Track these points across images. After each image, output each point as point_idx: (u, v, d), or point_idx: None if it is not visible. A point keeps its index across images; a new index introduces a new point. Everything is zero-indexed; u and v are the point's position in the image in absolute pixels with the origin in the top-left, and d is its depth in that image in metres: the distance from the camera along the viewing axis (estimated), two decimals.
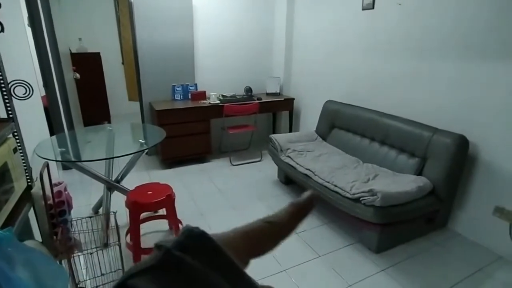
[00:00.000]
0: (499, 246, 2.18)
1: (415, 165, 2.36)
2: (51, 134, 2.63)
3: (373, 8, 2.83)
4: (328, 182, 2.33)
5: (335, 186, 2.26)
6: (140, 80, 3.74)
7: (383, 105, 2.85)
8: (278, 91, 4.25)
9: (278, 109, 4.16)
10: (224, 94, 3.99)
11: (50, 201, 1.47)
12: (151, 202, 1.91)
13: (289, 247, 2.21)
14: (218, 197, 2.97)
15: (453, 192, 2.26)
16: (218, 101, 3.71)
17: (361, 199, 2.03)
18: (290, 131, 4.24)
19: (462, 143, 2.13)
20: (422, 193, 2.10)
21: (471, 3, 2.14)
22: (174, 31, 3.67)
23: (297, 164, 2.70)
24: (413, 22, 2.53)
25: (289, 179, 3.09)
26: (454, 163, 2.16)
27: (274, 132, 4.59)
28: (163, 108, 3.42)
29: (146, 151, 2.51)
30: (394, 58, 2.73)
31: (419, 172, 2.33)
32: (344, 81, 3.34)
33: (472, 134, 2.18)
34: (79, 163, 2.24)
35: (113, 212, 1.70)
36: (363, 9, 2.93)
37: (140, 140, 2.39)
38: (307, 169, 2.58)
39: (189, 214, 2.61)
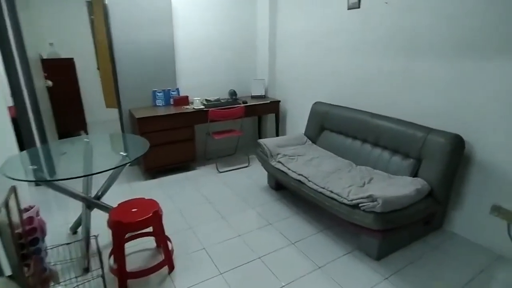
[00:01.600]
0: (497, 245, 2.16)
1: (410, 166, 2.30)
2: (21, 149, 2.39)
3: (359, 7, 2.77)
4: (323, 188, 2.23)
5: (331, 192, 2.17)
6: (118, 86, 3.53)
7: (373, 105, 2.79)
8: (264, 94, 4.14)
9: (264, 112, 4.05)
10: (208, 99, 3.84)
11: (20, 230, 1.29)
12: (136, 221, 1.74)
13: (287, 258, 2.09)
14: (206, 207, 2.82)
15: (450, 192, 2.22)
16: (202, 106, 3.55)
17: (360, 205, 1.94)
18: (277, 134, 4.15)
19: (458, 142, 2.09)
20: (421, 196, 2.04)
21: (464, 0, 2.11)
22: (153, 33, 3.49)
23: (289, 169, 2.60)
24: (401, 21, 2.48)
25: (280, 184, 2.98)
26: (451, 164, 2.11)
27: (260, 136, 4.48)
28: (143, 115, 3.23)
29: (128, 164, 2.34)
30: (383, 57, 2.68)
31: (414, 174, 2.27)
32: (332, 81, 3.27)
33: (466, 133, 2.14)
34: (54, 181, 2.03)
35: (94, 236, 1.52)
36: (348, 8, 2.87)
37: (121, 153, 2.21)
38: (299, 174, 2.48)
39: (176, 228, 2.44)
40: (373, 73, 2.79)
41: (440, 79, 2.31)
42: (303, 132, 3.31)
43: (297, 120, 3.87)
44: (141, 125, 3.20)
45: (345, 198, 2.05)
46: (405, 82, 2.54)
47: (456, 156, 2.11)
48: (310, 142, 3.15)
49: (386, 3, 2.53)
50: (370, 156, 2.61)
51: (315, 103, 3.27)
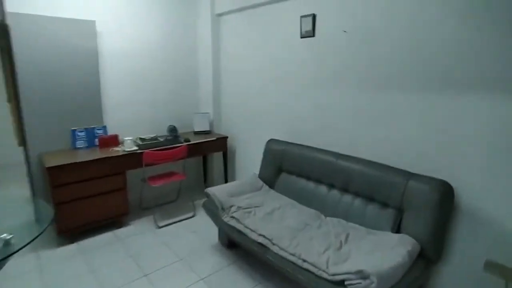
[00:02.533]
0: None
1: (391, 218, 1.95)
2: None
3: (313, 35, 2.49)
4: (294, 255, 1.75)
5: (304, 261, 1.69)
6: (23, 124, 2.73)
7: (338, 144, 2.45)
8: (209, 129, 3.63)
9: (210, 151, 3.52)
10: (143, 137, 3.20)
11: None
12: None
13: None
14: (142, 284, 2.14)
15: (443, 250, 1.88)
16: (135, 147, 2.90)
17: (346, 283, 1.49)
18: (226, 176, 3.62)
19: (446, 190, 1.79)
20: (412, 260, 1.66)
21: (429, 28, 1.90)
22: (73, 61, 2.82)
23: (246, 227, 2.08)
24: (363, 51, 2.23)
25: (234, 242, 2.43)
26: (441, 216, 1.79)
27: (206, 179, 3.91)
28: (56, 163, 2.46)
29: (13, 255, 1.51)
30: (345, 90, 2.38)
31: (397, 227, 1.92)
32: (287, 116, 2.90)
33: (446, 176, 1.87)
34: None
35: None
36: (302, 37, 2.57)
37: (4, 235, 1.47)
38: (260, 235, 1.97)
39: None
40: (335, 108, 2.48)
41: (411, 114, 2.05)
42: (257, 174, 2.85)
43: (249, 159, 3.40)
44: (53, 177, 2.44)
45: (325, 272, 1.59)
46: (372, 117, 2.26)
47: (446, 207, 1.80)
48: (267, 187, 2.68)
49: (345, 31, 2.27)
50: (340, 204, 2.22)
51: (270, 140, 2.85)
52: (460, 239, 1.91)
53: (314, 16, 2.46)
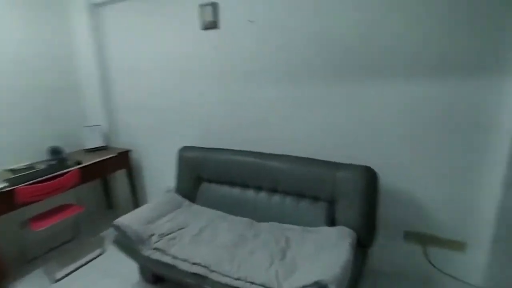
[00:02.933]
0: (419, 269, 2.04)
1: (324, 211, 1.91)
2: None
3: (217, 27, 2.25)
4: (239, 280, 1.53)
5: (252, 283, 1.49)
6: None
7: (260, 143, 2.31)
8: (104, 144, 3.05)
9: (110, 171, 2.96)
10: (14, 168, 2.46)
11: None
12: None
13: None
14: None
15: (375, 234, 1.93)
16: (5, 184, 2.18)
17: None
18: (135, 197, 3.10)
19: (371, 175, 1.83)
20: (354, 250, 1.64)
21: (336, 14, 1.89)
22: None
23: (175, 258, 1.75)
24: (272, 41, 2.11)
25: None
26: (370, 200, 1.83)
27: (110, 204, 3.31)
28: None
29: None
30: (260, 84, 2.24)
31: (331, 220, 1.89)
32: (198, 118, 2.61)
33: (371, 162, 1.92)
34: None
35: None
36: (204, 29, 2.31)
37: None
38: (194, 263, 1.68)
39: None
40: (250, 104, 2.32)
41: (324, 105, 2.06)
42: (173, 189, 2.50)
43: (160, 173, 2.97)
44: None
45: None
46: (291, 111, 2.19)
47: (372, 191, 1.84)
48: (188, 202, 2.36)
49: (251, 21, 2.11)
50: (271, 206, 2.09)
51: (182, 148, 2.52)
52: (385, 217, 2.00)
53: (214, 5, 2.21)
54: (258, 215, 2.08)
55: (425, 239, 2.02)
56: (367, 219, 1.82)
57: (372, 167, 1.85)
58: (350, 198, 1.83)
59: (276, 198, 2.09)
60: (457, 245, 1.96)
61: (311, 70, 2.04)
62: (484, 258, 1.84)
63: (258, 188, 2.18)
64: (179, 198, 2.37)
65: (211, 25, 2.26)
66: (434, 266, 2.02)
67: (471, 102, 1.71)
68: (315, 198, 1.96)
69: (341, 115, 2.03)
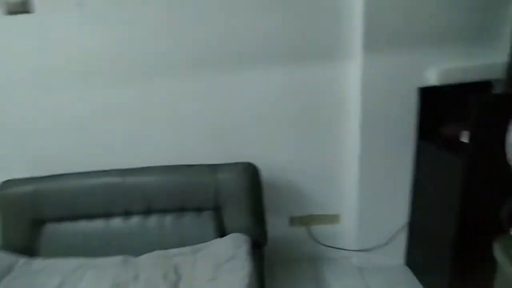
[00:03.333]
0: (307, 249, 2.13)
1: (211, 222, 1.69)
2: None
3: (30, 11, 1.64)
4: None
5: None
6: None
7: (115, 159, 1.86)
8: None
9: None
10: None
11: None
12: None
13: None
14: None
15: (266, 232, 1.83)
16: None
17: None
18: None
19: (252, 172, 1.72)
20: (252, 256, 1.50)
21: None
22: None
23: None
24: (112, 33, 1.70)
25: None
26: (255, 199, 1.72)
27: None
28: None
29: None
30: (100, 87, 1.79)
31: (221, 229, 1.69)
32: (22, 140, 1.91)
33: (251, 157, 1.81)
34: None
35: None
36: (9, 13, 1.64)
37: None
38: None
39: None
40: (97, 112, 1.84)
41: (184, 102, 1.84)
42: None
43: None
44: None
45: None
46: (152, 114, 1.86)
47: (256, 187, 1.73)
48: (24, 259, 1.66)
49: (80, 5, 1.62)
50: (147, 232, 1.71)
51: (4, 184, 1.79)
52: (271, 210, 1.95)
53: None
54: (134, 247, 1.66)
55: (307, 220, 2.11)
56: (257, 217, 1.73)
57: (255, 163, 1.76)
58: (236, 200, 1.68)
59: (152, 220, 1.73)
60: (333, 218, 2.12)
61: (167, 66, 1.77)
62: (355, 225, 2.05)
63: (127, 214, 1.75)
64: (7, 258, 1.65)
65: (22, 9, 1.63)
66: (318, 242, 2.14)
67: (324, 86, 1.82)
68: (199, 210, 1.72)
69: (210, 111, 1.86)
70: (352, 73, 1.75)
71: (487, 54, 1.63)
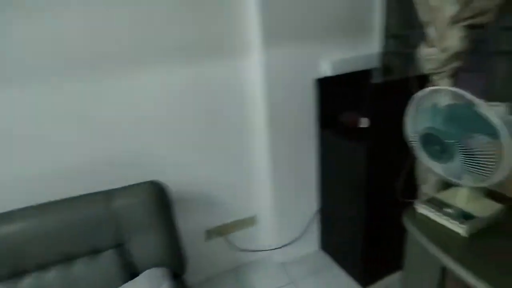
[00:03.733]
0: (229, 259, 2.01)
1: (114, 263, 1.34)
2: None
3: None
4: None
5: None
6: None
7: None
8: None
9: None
10: None
11: None
12: None
13: None
14: None
15: (184, 257, 1.57)
16: None
17: None
18: None
19: (158, 190, 1.44)
20: None
21: None
22: None
23: None
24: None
25: None
26: (166, 221, 1.45)
27: None
28: None
29: None
30: None
31: (130, 268, 1.37)
32: None
33: (155, 173, 1.53)
34: None
35: None
36: None
37: None
38: None
39: None
40: None
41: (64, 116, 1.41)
42: None
43: None
44: None
45: None
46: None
47: (166, 206, 1.46)
48: None
49: None
50: None
51: None
52: (183, 228, 1.71)
53: None
54: None
55: (224, 229, 1.96)
56: (171, 242, 1.47)
57: (161, 180, 1.48)
58: (143, 229, 1.38)
59: (29, 282, 1.27)
60: (250, 221, 2.04)
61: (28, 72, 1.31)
62: (272, 222, 2.01)
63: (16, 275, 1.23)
64: None
65: None
66: (238, 249, 2.03)
67: (227, 85, 1.68)
68: (95, 252, 1.34)
69: (87, 126, 1.48)
70: (253, 69, 1.66)
71: (366, 45, 1.78)
